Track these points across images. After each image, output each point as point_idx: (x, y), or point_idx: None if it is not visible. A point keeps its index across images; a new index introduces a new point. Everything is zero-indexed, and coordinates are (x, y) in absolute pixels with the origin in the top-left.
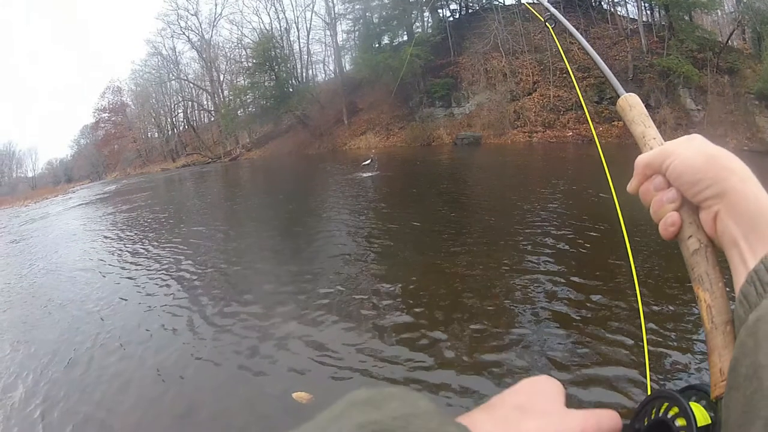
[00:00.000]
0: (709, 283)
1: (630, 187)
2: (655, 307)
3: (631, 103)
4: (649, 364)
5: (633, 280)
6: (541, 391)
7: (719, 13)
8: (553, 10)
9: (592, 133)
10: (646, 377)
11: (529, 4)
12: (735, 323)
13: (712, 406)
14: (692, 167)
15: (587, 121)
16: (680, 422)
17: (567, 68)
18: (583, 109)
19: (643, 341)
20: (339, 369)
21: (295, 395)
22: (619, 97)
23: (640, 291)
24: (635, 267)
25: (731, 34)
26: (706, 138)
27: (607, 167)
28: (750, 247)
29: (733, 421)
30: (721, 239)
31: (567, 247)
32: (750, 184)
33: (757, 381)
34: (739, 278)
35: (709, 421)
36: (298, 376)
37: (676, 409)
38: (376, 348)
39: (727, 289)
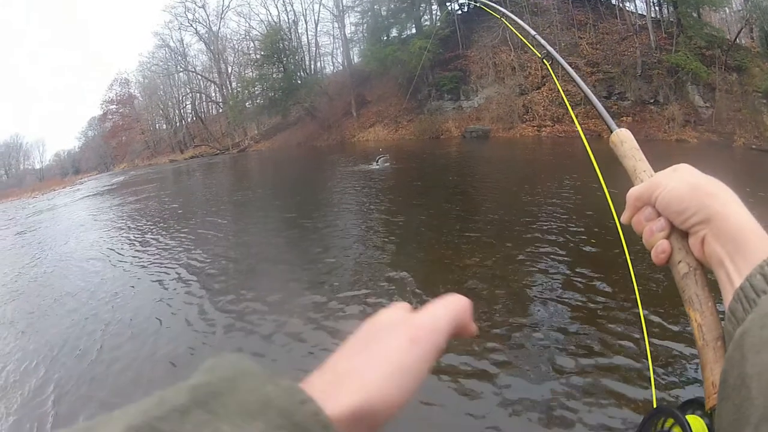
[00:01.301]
0: (698, 303)
1: (623, 218)
2: (658, 314)
3: (623, 138)
4: (654, 373)
5: (633, 281)
6: (378, 322)
7: (727, 11)
8: (549, 48)
9: (598, 129)
10: (651, 388)
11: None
12: (725, 339)
13: (708, 417)
14: (677, 197)
15: (596, 116)
16: None
17: (564, 102)
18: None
19: (647, 351)
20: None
21: None
22: (612, 132)
23: (640, 298)
24: (635, 275)
25: (739, 32)
26: (713, 132)
27: (602, 173)
28: (735, 267)
29: (725, 428)
30: (710, 261)
31: (572, 242)
32: (732, 206)
33: (746, 390)
34: (727, 296)
35: (706, 431)
36: (306, 366)
37: (673, 423)
38: None
39: (719, 304)
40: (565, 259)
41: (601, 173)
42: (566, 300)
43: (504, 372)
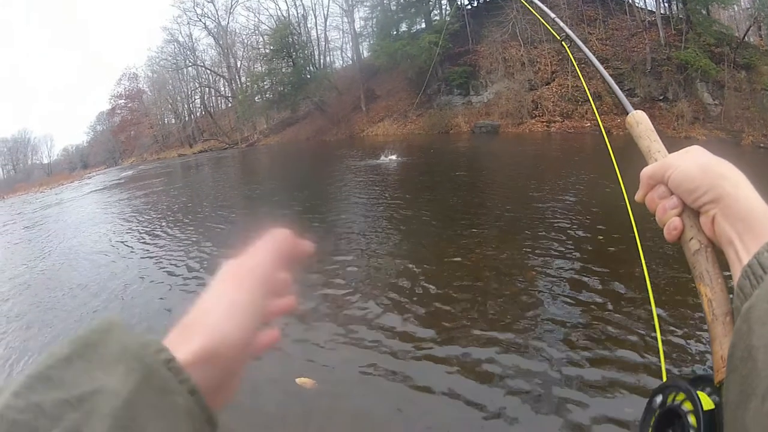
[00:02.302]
0: (709, 279)
1: (637, 196)
2: (667, 294)
3: (638, 120)
4: (664, 352)
5: (643, 267)
6: (217, 276)
7: (736, 9)
8: (568, 30)
9: (607, 126)
10: (660, 364)
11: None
12: (734, 314)
13: (716, 391)
14: (689, 177)
15: (606, 112)
16: (688, 407)
17: (583, 86)
18: (594, 111)
19: (656, 331)
20: (349, 351)
21: (298, 380)
22: (627, 114)
23: (650, 280)
24: (644, 258)
25: (748, 30)
26: (722, 129)
27: (617, 164)
28: (744, 246)
29: (732, 401)
30: (719, 240)
31: (581, 235)
32: (741, 188)
33: (752, 362)
34: (736, 274)
35: (713, 406)
36: (308, 360)
37: (683, 396)
38: (387, 332)
39: (729, 281)
40: (577, 248)
41: (616, 164)
42: (574, 289)
43: (515, 356)
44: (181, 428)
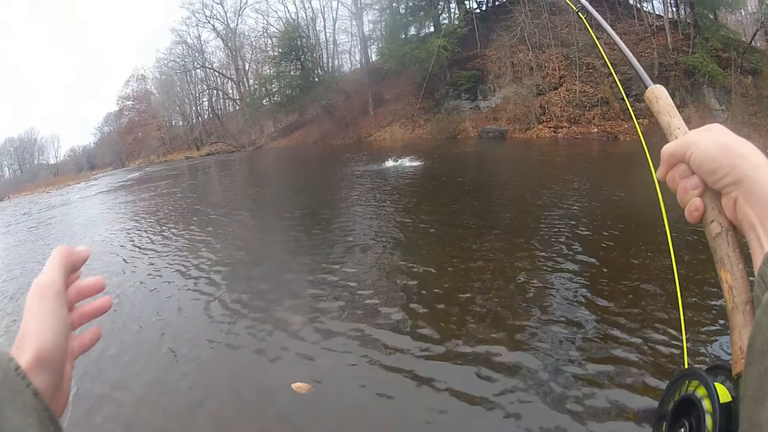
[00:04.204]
0: (730, 264)
1: (658, 173)
2: (691, 288)
3: (658, 95)
4: (686, 337)
5: (672, 266)
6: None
7: (743, 13)
8: (584, 2)
9: (614, 131)
10: (683, 353)
11: None
12: (754, 303)
13: (733, 383)
14: (709, 157)
15: (613, 118)
16: (704, 398)
17: (603, 56)
18: (625, 101)
19: (680, 319)
20: (346, 359)
21: (294, 386)
22: (647, 88)
23: (678, 270)
24: (672, 245)
25: (755, 35)
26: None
27: (652, 161)
28: (766, 231)
29: (750, 395)
30: (741, 224)
31: (586, 243)
32: (763, 170)
33: None
34: (757, 260)
35: (730, 398)
36: (308, 365)
37: (699, 385)
38: (385, 339)
39: (751, 267)
40: (583, 255)
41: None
42: (585, 293)
43: (527, 355)
44: (32, 423)
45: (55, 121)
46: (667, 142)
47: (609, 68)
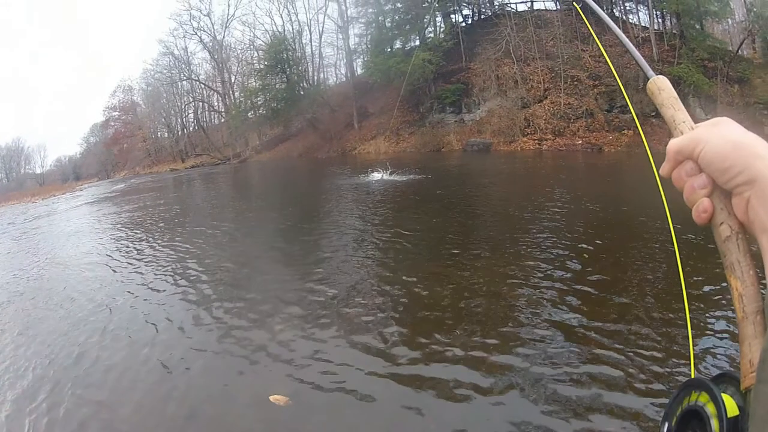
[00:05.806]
0: (740, 270)
1: (663, 170)
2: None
3: (660, 86)
4: (693, 347)
5: (678, 271)
6: None
7: (729, 22)
8: None
9: (599, 143)
10: (690, 361)
11: None
12: (766, 313)
13: (741, 396)
14: (720, 154)
15: (598, 129)
16: (711, 411)
17: (600, 48)
18: (623, 93)
19: (687, 329)
20: (330, 370)
21: (272, 398)
22: (648, 80)
23: (683, 275)
24: (678, 250)
25: (741, 43)
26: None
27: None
28: None
29: (760, 416)
30: (753, 226)
31: (570, 253)
32: None
33: None
34: None
35: (737, 412)
36: (288, 377)
37: (707, 398)
38: (367, 349)
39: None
40: (565, 266)
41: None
42: (573, 301)
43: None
44: None
45: (53, 125)
46: (672, 137)
47: (608, 65)
